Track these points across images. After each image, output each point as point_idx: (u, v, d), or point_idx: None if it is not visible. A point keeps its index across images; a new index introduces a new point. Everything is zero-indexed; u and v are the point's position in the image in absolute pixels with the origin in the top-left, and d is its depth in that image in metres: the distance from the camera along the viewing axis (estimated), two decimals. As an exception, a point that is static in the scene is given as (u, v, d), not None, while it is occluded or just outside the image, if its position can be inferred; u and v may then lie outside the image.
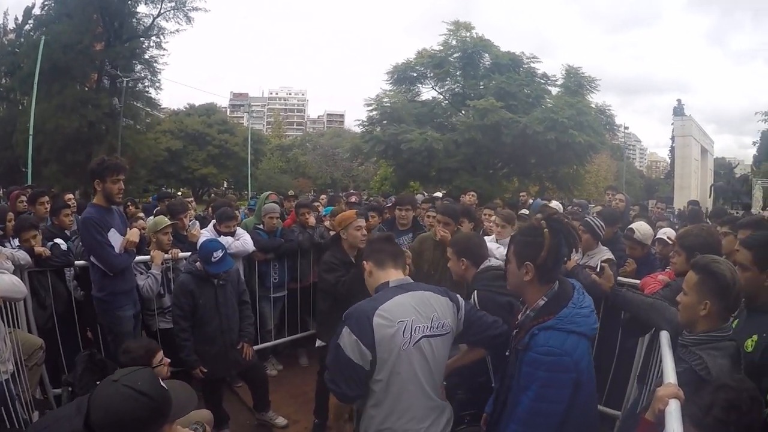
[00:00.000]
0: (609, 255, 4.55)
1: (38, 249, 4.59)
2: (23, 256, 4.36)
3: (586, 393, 2.23)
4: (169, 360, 3.54)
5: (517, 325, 2.40)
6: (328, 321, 4.38)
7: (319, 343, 4.64)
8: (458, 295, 2.56)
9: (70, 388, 3.75)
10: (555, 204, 8.57)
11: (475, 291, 3.12)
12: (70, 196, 7.79)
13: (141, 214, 7.27)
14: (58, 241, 5.02)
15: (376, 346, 2.18)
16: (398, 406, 2.27)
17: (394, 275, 2.49)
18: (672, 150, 45.24)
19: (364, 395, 2.30)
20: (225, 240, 5.36)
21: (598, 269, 3.25)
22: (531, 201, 11.33)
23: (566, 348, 2.13)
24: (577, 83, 26.12)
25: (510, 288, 2.48)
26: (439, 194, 11.21)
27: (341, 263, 4.37)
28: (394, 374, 2.23)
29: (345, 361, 2.19)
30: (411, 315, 2.27)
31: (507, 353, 2.48)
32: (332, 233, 6.00)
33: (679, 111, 38.12)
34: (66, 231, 5.87)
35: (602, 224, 4.72)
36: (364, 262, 2.62)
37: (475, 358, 2.88)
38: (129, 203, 9.07)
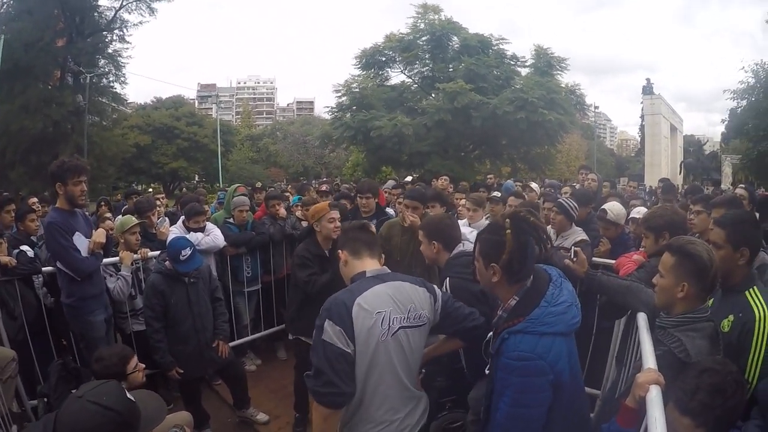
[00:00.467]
0: (583, 236, 4.56)
1: (3, 259, 4.47)
2: None
3: (570, 392, 2.13)
4: (144, 365, 3.47)
5: (493, 326, 2.36)
6: (298, 315, 4.39)
7: (291, 336, 4.65)
8: (435, 286, 2.55)
9: (45, 399, 3.68)
10: (534, 186, 8.61)
11: (448, 278, 3.08)
12: (35, 200, 7.61)
13: (108, 215, 7.14)
14: (24, 248, 4.92)
15: (356, 337, 2.15)
16: (375, 398, 2.26)
17: (371, 264, 2.46)
18: (642, 128, 45.78)
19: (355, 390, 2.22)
20: (195, 236, 5.30)
21: (572, 254, 3.23)
22: (497, 183, 11.36)
23: (539, 351, 2.03)
24: (546, 63, 26.32)
25: (482, 286, 2.40)
26: (408, 179, 11.18)
27: (314, 257, 4.34)
28: (372, 366, 2.21)
29: (336, 353, 2.13)
30: (389, 306, 2.26)
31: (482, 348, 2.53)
32: (305, 224, 5.99)
33: (648, 90, 38.64)
34: (32, 237, 5.76)
35: (575, 205, 4.73)
36: (339, 251, 2.59)
37: (452, 348, 2.83)
38: (102, 203, 8.91)
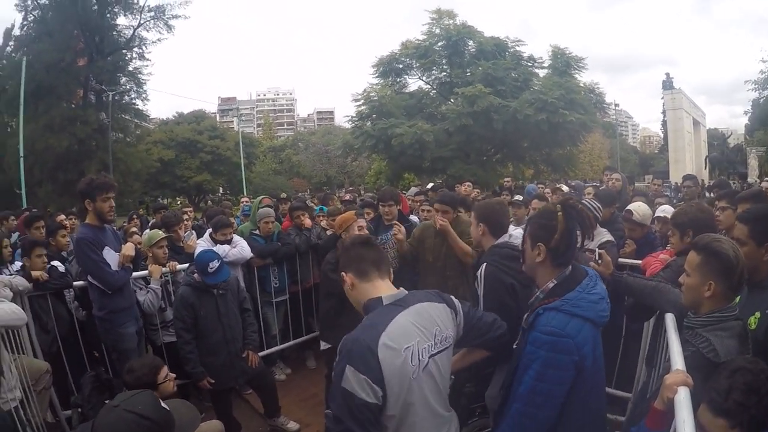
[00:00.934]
0: (608, 237, 4.52)
1: (35, 273, 4.58)
2: (21, 281, 4.35)
3: (591, 381, 2.23)
4: (174, 375, 3.51)
5: (528, 306, 2.42)
6: (332, 322, 4.40)
7: (323, 345, 4.65)
8: (453, 298, 2.32)
9: (79, 410, 3.75)
10: (565, 188, 8.56)
11: (485, 264, 3.10)
12: (63, 216, 7.76)
13: (134, 229, 7.24)
14: (55, 263, 5.00)
15: (386, 381, 1.87)
16: None
17: (384, 287, 2.17)
18: (664, 124, 45.13)
19: None
20: (221, 249, 5.35)
21: (596, 256, 3.22)
22: (515, 186, 11.28)
23: (568, 330, 2.16)
24: (564, 63, 26.18)
25: (524, 269, 2.49)
26: (430, 185, 11.19)
27: None
28: (406, 406, 1.96)
29: (359, 405, 1.85)
30: (415, 337, 2.00)
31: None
32: (330, 233, 6.03)
33: (668, 84, 38.13)
34: (62, 252, 5.86)
35: (599, 206, 4.69)
36: (343, 273, 2.25)
37: (477, 358, 2.69)
38: (134, 216, 9.01)
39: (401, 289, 2.20)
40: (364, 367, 1.85)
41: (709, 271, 2.25)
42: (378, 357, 1.87)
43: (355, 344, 1.92)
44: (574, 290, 2.26)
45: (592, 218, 2.54)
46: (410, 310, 2.07)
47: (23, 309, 3.88)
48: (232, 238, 5.72)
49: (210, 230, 5.89)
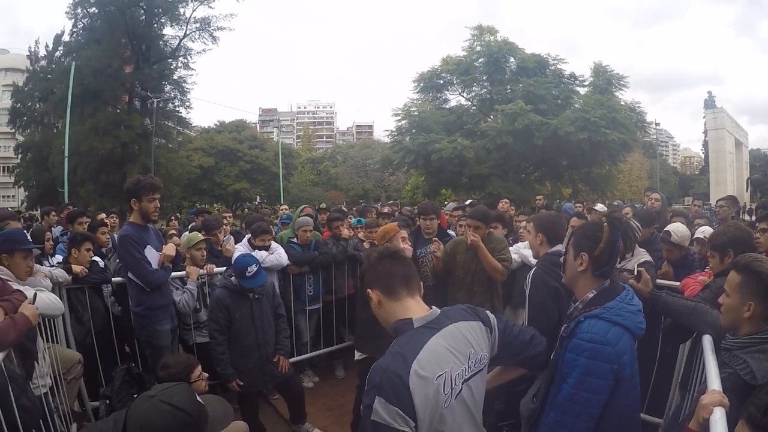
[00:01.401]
0: (647, 257, 4.46)
1: (76, 268, 4.71)
2: (61, 273, 4.47)
3: (626, 390, 2.23)
4: (206, 375, 3.55)
5: (567, 316, 2.43)
6: (368, 332, 4.36)
7: (358, 355, 4.63)
8: (489, 313, 2.16)
9: (107, 401, 3.81)
10: (600, 207, 8.46)
11: (535, 267, 3.19)
12: (104, 215, 7.93)
13: (173, 231, 7.34)
14: (96, 258, 5.12)
15: (417, 412, 1.72)
16: None
17: (415, 307, 1.99)
18: (705, 144, 44.48)
19: None
20: (259, 254, 5.39)
21: (635, 273, 3.19)
22: (545, 204, 11.15)
23: (609, 338, 2.17)
24: (606, 81, 26.05)
25: (565, 280, 2.52)
26: (468, 202, 11.15)
27: None
28: None
29: None
30: (449, 363, 1.85)
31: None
32: (366, 245, 6.06)
33: (710, 104, 37.59)
34: (102, 249, 5.99)
35: (638, 225, 4.63)
36: (369, 290, 2.08)
37: (513, 376, 2.57)
38: (173, 218, 9.17)
39: (433, 308, 2.02)
40: (395, 398, 1.71)
41: (749, 291, 2.21)
42: (409, 388, 1.73)
43: (385, 375, 1.76)
44: (614, 299, 2.28)
45: (636, 232, 2.58)
46: (443, 333, 1.92)
47: (61, 300, 3.98)
48: (270, 245, 5.77)
49: (249, 236, 5.96)
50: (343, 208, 12.10)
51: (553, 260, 3.11)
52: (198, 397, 2.02)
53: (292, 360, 5.35)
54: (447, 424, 1.80)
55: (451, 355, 1.87)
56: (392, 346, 1.89)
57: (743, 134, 41.62)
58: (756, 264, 2.24)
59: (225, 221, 7.00)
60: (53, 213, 8.59)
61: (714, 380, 2.18)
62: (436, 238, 5.15)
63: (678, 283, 4.14)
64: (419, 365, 1.76)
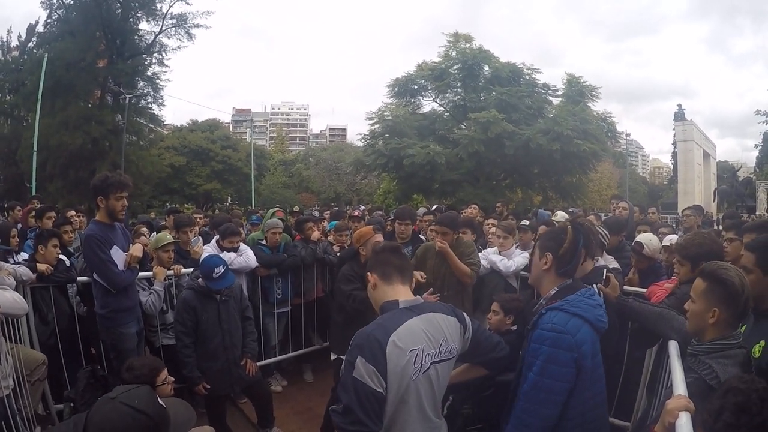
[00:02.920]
0: (614, 264, 4.51)
1: (41, 267, 4.63)
2: (25, 271, 4.40)
3: (590, 382, 2.32)
4: (173, 379, 3.49)
5: (533, 311, 2.54)
6: (342, 334, 4.39)
7: (333, 356, 4.65)
8: (465, 315, 2.42)
9: (71, 404, 3.76)
10: (561, 215, 8.54)
11: None
12: (73, 212, 7.79)
13: (144, 229, 7.25)
14: (62, 257, 5.04)
15: (389, 375, 2.02)
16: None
17: (403, 293, 2.31)
18: (674, 155, 45.13)
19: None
20: (227, 256, 5.36)
21: (603, 279, 3.23)
22: (506, 212, 11.22)
23: (569, 327, 2.28)
24: (578, 92, 26.28)
25: (531, 280, 2.69)
26: (433, 207, 11.19)
27: (359, 277, 4.39)
28: (401, 403, 2.09)
29: (368, 392, 1.99)
30: (422, 342, 2.13)
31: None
32: (336, 248, 6.07)
33: (680, 116, 38.29)
34: (68, 247, 5.88)
35: (607, 233, 4.69)
36: (369, 273, 2.42)
37: (476, 375, 2.76)
38: (145, 225, 9.04)
39: (418, 297, 2.38)
40: (372, 359, 2.00)
41: (714, 298, 2.27)
42: (385, 353, 2.02)
43: (366, 339, 2.07)
44: (573, 294, 2.41)
45: (598, 237, 2.68)
46: (422, 317, 2.20)
47: (25, 299, 3.89)
48: (239, 246, 5.74)
49: (217, 237, 5.91)
50: (315, 212, 12.06)
51: None
52: (160, 401, 1.99)
53: (260, 363, 5.32)
54: (412, 395, 2.10)
55: (426, 337, 2.15)
56: (377, 319, 2.22)
57: (711, 146, 42.38)
58: (721, 272, 2.29)
59: (197, 222, 6.93)
60: (18, 208, 8.45)
61: (679, 385, 2.22)
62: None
63: (644, 290, 4.19)
64: (397, 336, 2.07)
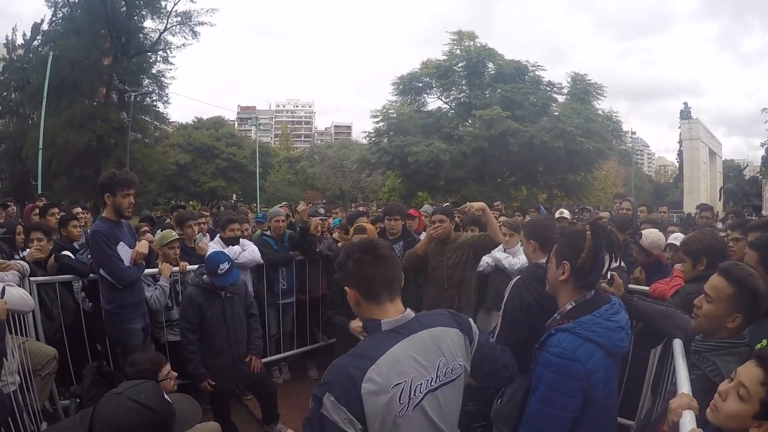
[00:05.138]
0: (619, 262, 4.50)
1: (31, 254, 4.77)
2: (22, 264, 4.40)
3: (598, 412, 2.13)
4: (176, 374, 3.51)
5: (546, 327, 2.33)
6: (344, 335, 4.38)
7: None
8: (471, 323, 2.11)
9: (77, 400, 3.76)
10: (564, 213, 8.52)
11: (517, 277, 3.14)
12: (79, 209, 7.82)
13: (146, 228, 7.26)
14: (66, 253, 5.07)
15: (366, 417, 1.69)
16: None
17: (389, 310, 1.91)
18: (680, 154, 45.01)
19: None
20: (232, 250, 5.37)
21: (607, 278, 3.22)
22: (505, 210, 11.23)
23: (578, 354, 2.06)
24: (583, 90, 26.24)
25: (548, 288, 2.44)
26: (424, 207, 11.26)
27: None
28: None
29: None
30: (410, 372, 1.78)
31: None
32: (340, 245, 6.07)
33: (685, 114, 38.09)
34: (75, 243, 5.92)
35: (612, 231, 4.67)
36: (347, 288, 1.99)
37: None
38: (147, 220, 9.04)
39: (407, 311, 1.94)
40: (344, 399, 1.68)
41: (741, 305, 2.23)
42: (360, 393, 1.69)
43: (338, 373, 1.75)
44: (591, 314, 2.18)
45: (622, 241, 2.51)
46: (411, 339, 1.85)
47: (30, 294, 3.91)
48: (240, 235, 5.79)
49: (220, 233, 5.93)
50: (320, 209, 12.05)
51: (536, 273, 3.02)
52: (166, 396, 2.00)
53: (264, 360, 5.32)
54: (403, 431, 1.75)
55: (416, 363, 1.81)
56: (356, 347, 1.87)
57: (717, 145, 42.34)
58: (751, 280, 2.24)
59: (203, 220, 6.94)
60: (11, 205, 8.48)
61: (684, 383, 2.20)
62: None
63: (647, 288, 4.19)
64: (376, 371, 1.72)
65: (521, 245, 5.62)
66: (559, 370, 2.07)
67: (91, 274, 4.85)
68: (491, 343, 2.22)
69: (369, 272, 1.91)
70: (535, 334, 2.43)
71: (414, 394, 1.76)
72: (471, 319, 2.14)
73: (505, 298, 3.07)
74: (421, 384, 1.79)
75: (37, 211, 7.01)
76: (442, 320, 2.00)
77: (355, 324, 3.75)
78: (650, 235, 4.89)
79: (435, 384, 1.83)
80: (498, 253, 5.39)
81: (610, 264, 2.38)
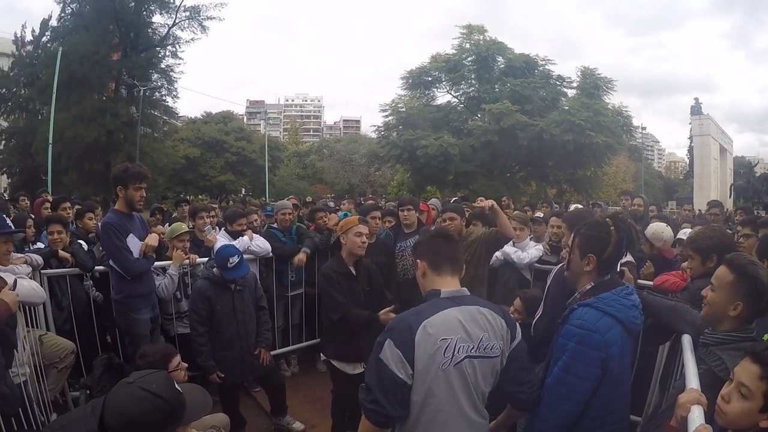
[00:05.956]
0: (629, 257, 4.49)
1: (63, 254, 4.78)
2: (36, 257, 4.45)
3: (615, 383, 2.29)
4: (186, 365, 3.54)
5: (567, 305, 2.49)
6: (328, 336, 4.43)
7: (323, 357, 4.59)
8: (517, 325, 2.33)
9: (87, 391, 3.80)
10: (575, 207, 8.51)
11: (561, 264, 3.23)
12: (68, 204, 7.93)
13: (158, 216, 7.31)
14: (81, 242, 5.16)
15: (415, 362, 2.00)
16: (433, 426, 2.07)
17: (450, 283, 2.24)
18: (690, 150, 44.75)
19: (406, 415, 2.08)
20: (241, 243, 5.40)
21: (618, 272, 3.23)
22: (513, 205, 11.23)
23: (599, 326, 2.24)
24: (593, 85, 26.07)
25: (568, 275, 2.61)
26: (452, 200, 11.21)
27: (339, 275, 4.20)
28: (429, 395, 2.03)
29: (389, 377, 1.99)
30: (457, 333, 2.06)
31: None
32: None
33: (696, 110, 37.81)
34: (90, 234, 6.01)
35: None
36: (418, 260, 2.35)
37: (514, 420, 2.69)
38: (156, 211, 9.08)
39: (464, 288, 2.26)
40: (400, 342, 2.00)
41: (740, 291, 2.25)
42: (415, 338, 2.00)
43: (398, 322, 2.09)
44: (609, 291, 2.35)
45: (638, 232, 2.63)
46: (462, 309, 2.14)
47: (41, 286, 3.95)
48: (247, 228, 5.81)
49: (225, 226, 5.98)
50: (329, 202, 12.07)
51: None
52: (177, 386, 2.01)
53: (273, 353, 5.35)
54: (441, 384, 2.04)
55: (462, 328, 2.09)
56: (416, 307, 2.18)
57: (728, 141, 42.07)
58: (751, 267, 2.27)
59: (213, 213, 6.96)
60: (23, 198, 8.54)
61: (692, 378, 2.20)
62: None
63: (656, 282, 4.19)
64: (429, 324, 2.04)
65: (530, 239, 5.66)
66: (581, 340, 2.25)
67: (98, 267, 4.91)
68: (527, 357, 2.37)
69: (438, 247, 2.31)
70: None
71: (457, 353, 2.05)
72: (518, 323, 2.36)
73: (548, 282, 3.34)
74: (463, 346, 2.06)
75: (47, 205, 7.07)
76: (492, 307, 2.26)
77: (385, 316, 3.83)
78: (653, 227, 4.95)
79: (475, 353, 2.09)
80: (508, 248, 5.38)
81: (626, 253, 2.55)
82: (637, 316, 2.37)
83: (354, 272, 4.29)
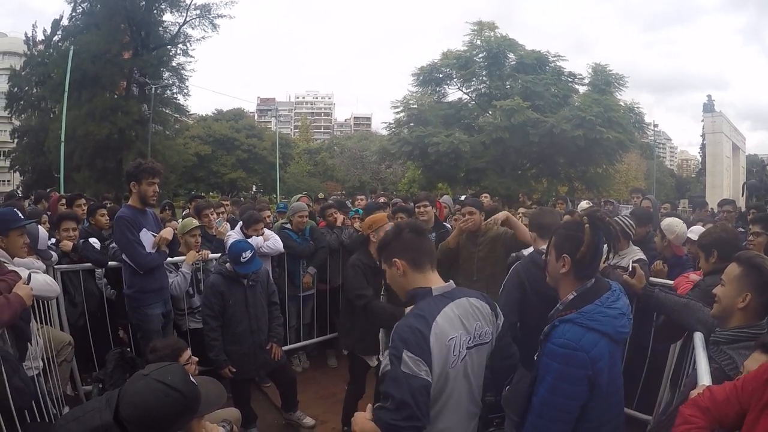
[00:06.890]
0: (641, 255, 4.47)
1: (64, 245, 4.83)
2: (49, 254, 4.49)
3: (605, 395, 2.17)
4: (196, 359, 3.56)
5: (549, 318, 2.36)
6: (351, 328, 4.45)
7: (345, 351, 4.67)
8: (497, 305, 2.33)
9: (100, 385, 3.82)
10: (585, 203, 8.49)
11: (518, 262, 3.37)
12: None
13: (165, 213, 7.36)
14: (92, 240, 5.18)
15: (433, 366, 1.94)
16: (439, 423, 2.05)
17: (435, 279, 2.22)
18: (703, 148, 44.45)
19: None
20: (255, 241, 5.41)
21: (629, 270, 3.22)
22: (528, 202, 11.22)
23: (583, 344, 2.10)
24: (604, 81, 25.97)
25: (548, 280, 2.47)
26: (463, 197, 11.24)
27: (366, 268, 4.29)
28: (439, 393, 2.02)
29: (420, 385, 1.88)
30: (458, 330, 2.06)
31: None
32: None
33: (709, 107, 37.44)
34: (103, 231, 6.06)
35: (633, 224, 4.66)
36: (396, 259, 2.24)
37: None
38: (167, 207, 9.12)
39: (450, 281, 2.25)
40: (419, 351, 1.92)
41: (748, 283, 2.26)
42: (430, 344, 1.94)
43: (409, 331, 1.98)
44: (592, 303, 2.20)
45: (619, 231, 2.54)
46: (456, 303, 2.13)
47: (55, 281, 3.98)
48: (263, 233, 5.79)
49: (241, 224, 5.96)
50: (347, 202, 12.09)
51: (535, 259, 3.26)
52: (192, 378, 2.03)
53: (285, 348, 5.37)
54: (450, 382, 2.03)
55: (461, 324, 2.08)
56: (414, 309, 2.13)
57: (741, 139, 41.64)
58: (758, 259, 2.29)
59: (222, 209, 6.97)
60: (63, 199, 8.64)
61: (704, 375, 2.21)
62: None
63: (671, 282, 4.16)
64: (438, 325, 2.00)
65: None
66: (565, 360, 2.11)
67: (111, 262, 4.94)
68: (506, 333, 2.42)
69: (417, 243, 2.25)
70: (526, 321, 2.71)
71: (461, 350, 2.05)
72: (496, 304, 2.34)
73: (506, 279, 3.38)
74: (464, 341, 2.07)
75: (64, 201, 7.14)
76: (477, 294, 2.26)
77: None
78: (669, 220, 5.01)
79: (472, 343, 2.11)
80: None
81: (608, 254, 2.53)
82: (625, 324, 2.23)
83: (380, 267, 4.30)
